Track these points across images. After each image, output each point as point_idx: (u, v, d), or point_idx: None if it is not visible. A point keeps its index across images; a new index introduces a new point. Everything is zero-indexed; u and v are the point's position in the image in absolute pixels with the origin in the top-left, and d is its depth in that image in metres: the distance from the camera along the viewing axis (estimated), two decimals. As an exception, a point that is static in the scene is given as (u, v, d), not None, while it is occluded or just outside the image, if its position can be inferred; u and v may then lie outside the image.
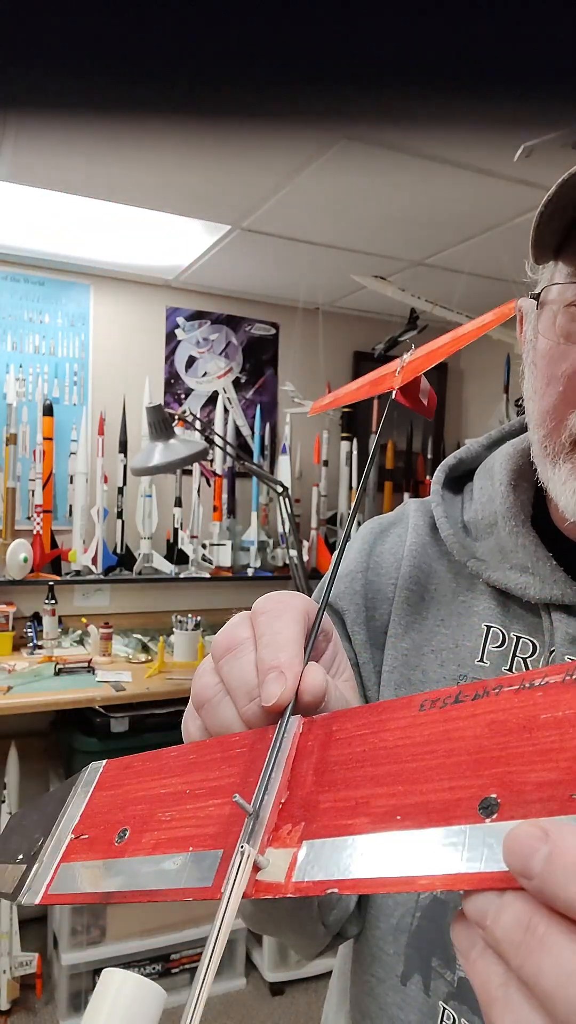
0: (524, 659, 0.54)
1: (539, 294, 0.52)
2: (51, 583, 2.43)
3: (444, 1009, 0.53)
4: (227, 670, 0.36)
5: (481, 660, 0.56)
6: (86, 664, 2.32)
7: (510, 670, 0.54)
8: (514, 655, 0.55)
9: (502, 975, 0.23)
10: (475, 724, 0.28)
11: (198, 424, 2.35)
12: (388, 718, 0.31)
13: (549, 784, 0.24)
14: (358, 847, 0.27)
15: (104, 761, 0.40)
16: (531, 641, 0.55)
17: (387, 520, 0.68)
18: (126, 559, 2.67)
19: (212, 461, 2.80)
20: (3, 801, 2.16)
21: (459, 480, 0.67)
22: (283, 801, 0.31)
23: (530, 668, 0.53)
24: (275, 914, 0.53)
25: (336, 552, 0.47)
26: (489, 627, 0.57)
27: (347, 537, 0.49)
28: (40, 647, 2.43)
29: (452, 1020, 0.52)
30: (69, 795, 0.40)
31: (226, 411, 2.89)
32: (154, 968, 2.18)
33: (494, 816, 0.25)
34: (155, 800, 0.34)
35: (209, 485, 2.82)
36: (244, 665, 0.36)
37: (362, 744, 0.31)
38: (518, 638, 0.55)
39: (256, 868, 0.28)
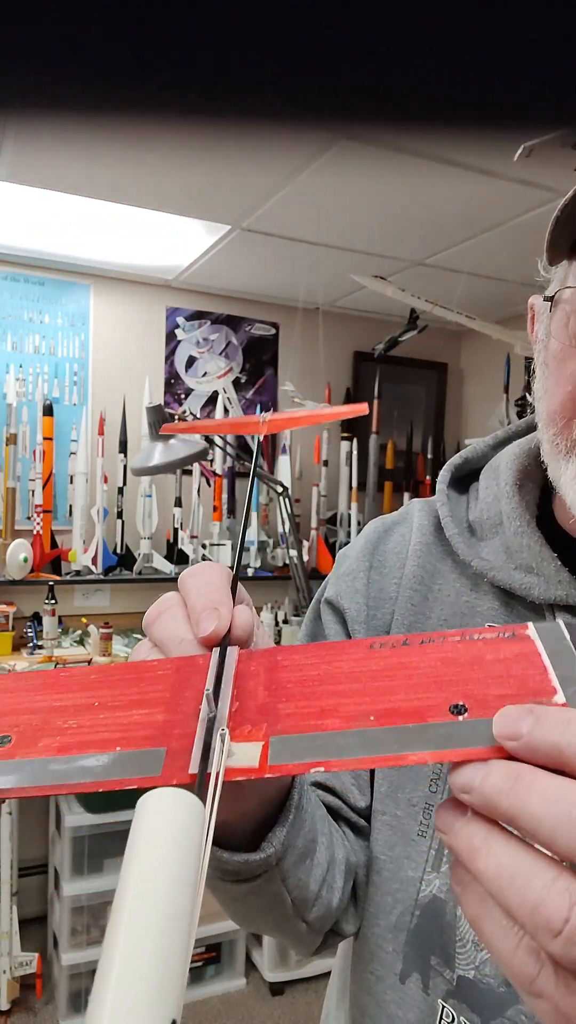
0: None
1: (553, 295, 0.53)
2: (51, 583, 2.43)
3: (443, 1007, 0.53)
4: (157, 630, 0.37)
5: None
6: (86, 664, 2.32)
7: None
8: None
9: (485, 829, 0.26)
10: (428, 659, 0.32)
11: (198, 424, 2.36)
12: (339, 652, 0.34)
13: (507, 696, 0.28)
14: (336, 738, 0.29)
15: None
16: None
17: (391, 520, 0.68)
18: (126, 559, 2.67)
19: (212, 461, 2.80)
20: (3, 801, 2.16)
21: (464, 480, 0.67)
22: (234, 710, 0.31)
23: None
24: (248, 911, 0.53)
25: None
26: (493, 628, 0.57)
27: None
28: (40, 647, 2.43)
29: (451, 1018, 0.52)
30: None
31: (226, 411, 2.89)
32: (154, 968, 2.18)
33: (465, 715, 0.28)
34: (47, 711, 0.33)
35: (209, 485, 2.82)
36: (175, 620, 0.37)
37: (315, 670, 0.33)
38: None
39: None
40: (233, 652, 0.35)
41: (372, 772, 0.60)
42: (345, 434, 3.06)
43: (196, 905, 0.22)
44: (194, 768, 0.28)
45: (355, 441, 3.03)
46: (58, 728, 0.31)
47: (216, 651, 0.35)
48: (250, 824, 0.45)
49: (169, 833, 0.23)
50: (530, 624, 0.33)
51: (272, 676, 0.33)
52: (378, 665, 0.32)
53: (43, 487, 2.53)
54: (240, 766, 0.28)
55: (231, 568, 0.41)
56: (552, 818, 0.24)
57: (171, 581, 2.66)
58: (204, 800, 0.25)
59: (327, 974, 0.90)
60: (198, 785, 0.26)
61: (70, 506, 2.64)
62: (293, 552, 2.61)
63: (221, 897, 0.52)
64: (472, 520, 0.62)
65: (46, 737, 0.31)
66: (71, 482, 2.63)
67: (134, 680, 0.34)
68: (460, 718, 0.28)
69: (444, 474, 0.65)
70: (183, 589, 0.39)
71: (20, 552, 2.44)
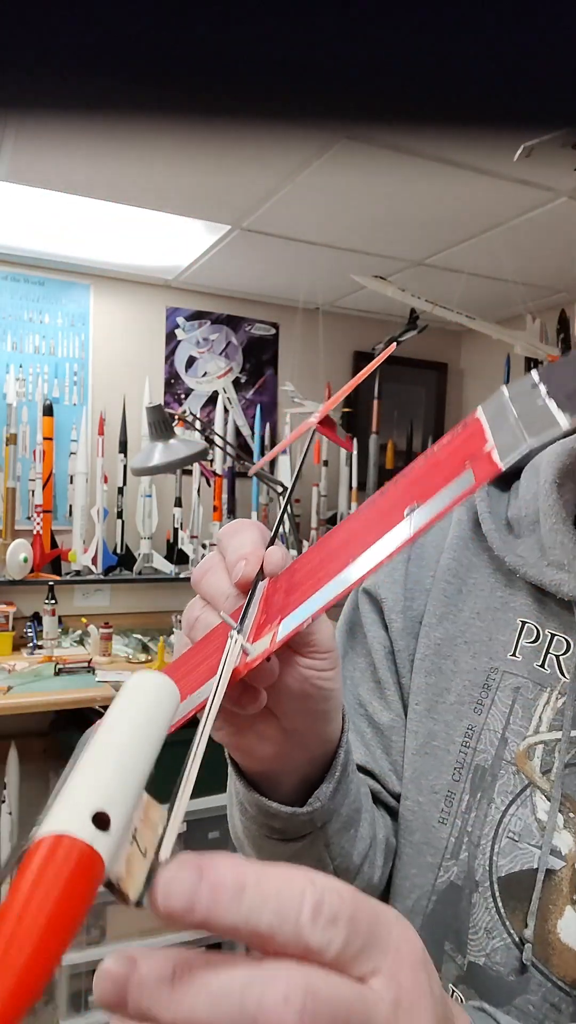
0: (557, 656, 0.55)
1: None
2: (51, 583, 2.43)
3: (453, 991, 0.53)
4: (204, 586, 0.41)
5: (514, 654, 0.57)
6: (86, 664, 2.32)
7: (542, 666, 0.55)
8: (547, 652, 0.56)
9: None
10: (401, 485, 0.36)
11: (198, 424, 2.36)
12: (336, 530, 0.39)
13: (451, 475, 0.30)
14: (324, 591, 0.33)
15: None
16: (565, 639, 0.55)
17: None
18: (126, 559, 2.66)
19: (212, 461, 2.80)
20: (3, 801, 2.16)
21: (507, 478, 0.67)
22: (260, 622, 0.36)
23: (563, 665, 0.55)
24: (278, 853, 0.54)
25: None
26: (524, 622, 0.57)
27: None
28: (40, 647, 2.43)
29: (460, 1003, 0.53)
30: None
31: (226, 411, 2.89)
32: (154, 968, 2.18)
33: (417, 509, 0.31)
34: (184, 670, 0.39)
35: (209, 485, 2.82)
36: (217, 575, 0.41)
37: (319, 550, 0.38)
38: (552, 635, 0.56)
39: (245, 654, 0.34)
40: (262, 584, 0.39)
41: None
42: (345, 434, 3.06)
43: (189, 776, 0.26)
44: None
45: (355, 441, 3.03)
46: (185, 683, 0.36)
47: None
48: (296, 779, 0.47)
49: (142, 696, 0.28)
50: (479, 408, 0.33)
51: (291, 578, 0.37)
52: (366, 517, 0.36)
53: (43, 487, 2.53)
54: (255, 655, 0.33)
55: (278, 518, 0.47)
56: (225, 1020, 0.22)
57: (171, 581, 2.66)
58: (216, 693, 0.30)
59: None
60: (215, 681, 0.31)
61: (70, 506, 2.64)
62: (293, 552, 2.60)
63: (265, 859, 0.53)
64: (511, 517, 0.63)
65: (185, 691, 0.36)
66: (71, 482, 2.63)
67: (188, 655, 0.40)
68: (414, 513, 0.30)
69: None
70: (220, 547, 0.43)
71: (20, 552, 2.44)
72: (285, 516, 0.53)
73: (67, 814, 0.21)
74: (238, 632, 0.35)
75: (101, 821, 0.21)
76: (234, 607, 0.39)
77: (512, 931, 0.51)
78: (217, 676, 0.31)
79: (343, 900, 0.25)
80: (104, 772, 0.24)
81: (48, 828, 0.21)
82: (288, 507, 0.55)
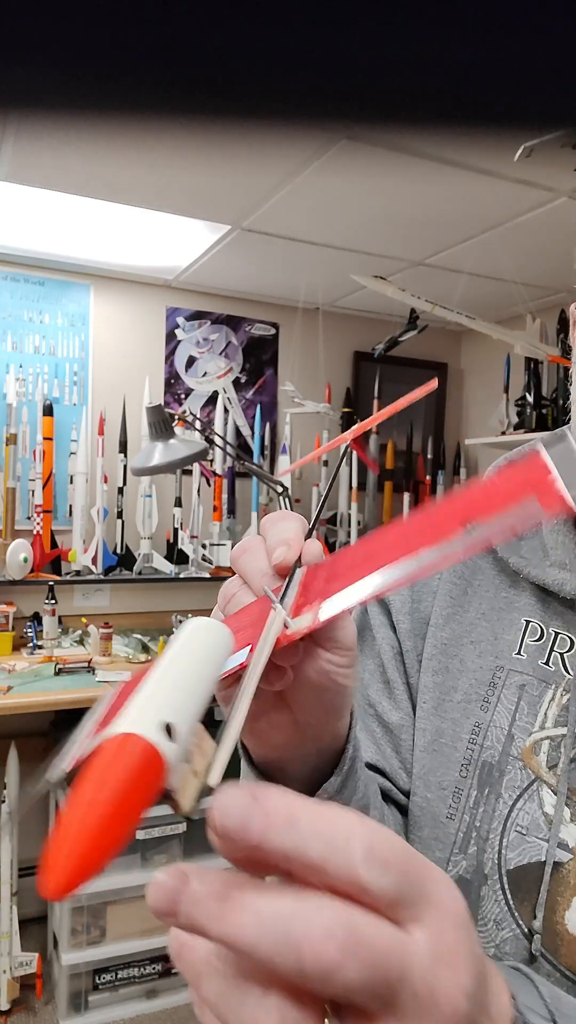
0: (561, 654, 0.56)
1: None
2: (51, 583, 2.43)
3: None
4: (242, 564, 0.42)
5: (519, 653, 0.58)
6: (86, 664, 2.32)
7: (547, 664, 0.57)
8: (551, 650, 0.57)
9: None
10: (458, 502, 0.36)
11: (198, 424, 2.36)
12: (381, 531, 0.39)
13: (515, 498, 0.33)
14: (370, 579, 0.34)
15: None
16: (569, 637, 0.56)
17: None
18: (126, 559, 2.66)
19: (212, 461, 2.80)
20: (3, 801, 2.16)
21: None
22: (299, 603, 0.37)
23: (567, 663, 0.56)
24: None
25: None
26: (529, 622, 0.59)
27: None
28: (40, 647, 2.43)
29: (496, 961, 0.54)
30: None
31: (226, 411, 2.89)
32: (154, 968, 2.18)
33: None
34: (244, 627, 0.39)
35: (209, 485, 2.82)
36: (256, 556, 0.42)
37: (367, 546, 0.39)
38: (556, 633, 0.57)
39: (285, 627, 0.35)
40: (300, 570, 0.40)
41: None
42: (345, 434, 3.05)
43: (246, 692, 0.29)
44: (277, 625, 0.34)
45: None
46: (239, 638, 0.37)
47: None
48: (305, 771, 0.48)
49: (203, 634, 0.31)
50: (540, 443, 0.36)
51: (332, 568, 0.39)
52: (418, 524, 0.37)
53: (43, 487, 2.53)
54: (295, 630, 0.34)
55: (314, 517, 0.48)
56: (269, 943, 0.23)
57: (171, 581, 2.66)
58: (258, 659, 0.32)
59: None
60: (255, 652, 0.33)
61: (70, 506, 2.64)
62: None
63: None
64: None
65: (241, 643, 0.37)
66: (71, 482, 2.63)
67: (249, 611, 0.41)
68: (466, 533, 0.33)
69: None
70: (263, 531, 0.44)
71: (20, 552, 2.44)
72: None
73: (139, 717, 0.24)
74: (279, 603, 0.36)
75: (168, 730, 0.24)
76: (270, 587, 0.40)
77: (521, 922, 0.52)
78: (264, 635, 0.33)
79: (395, 847, 0.26)
80: (172, 690, 0.27)
81: (119, 728, 0.23)
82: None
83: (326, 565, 0.40)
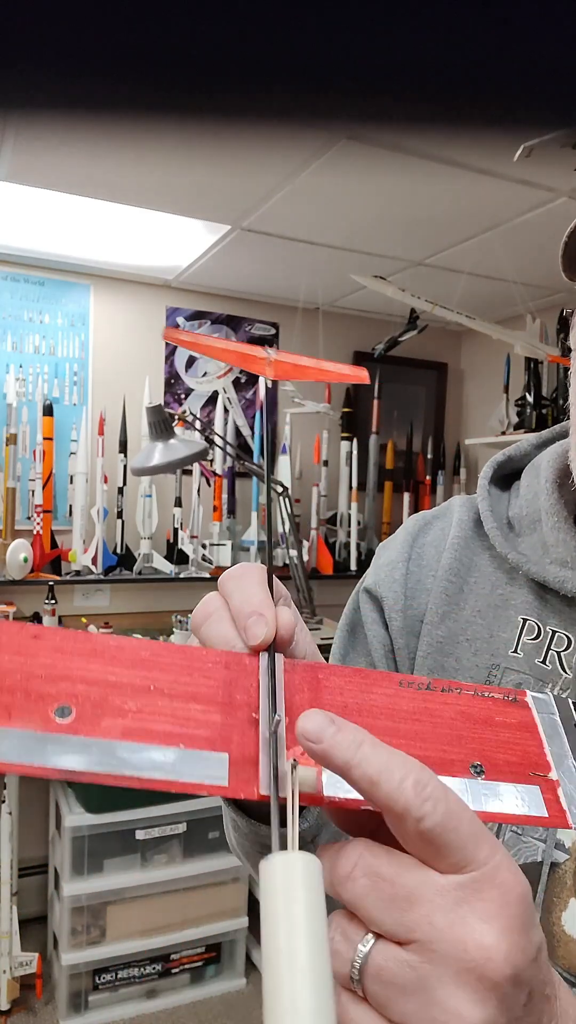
0: (558, 652, 0.56)
1: (574, 310, 0.54)
2: (51, 583, 2.43)
3: None
4: (206, 633, 0.39)
5: (515, 651, 0.57)
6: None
7: (543, 662, 0.56)
8: (548, 648, 0.56)
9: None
10: (449, 710, 0.37)
11: (198, 424, 2.36)
12: (372, 683, 0.37)
13: (515, 763, 0.36)
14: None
15: None
16: (566, 635, 0.56)
17: (431, 514, 0.69)
18: (126, 559, 2.67)
19: (212, 461, 2.80)
20: (3, 801, 2.16)
21: (508, 478, 0.68)
22: (286, 725, 0.34)
23: (564, 662, 0.55)
24: None
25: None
26: (525, 620, 0.58)
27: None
28: (40, 647, 2.42)
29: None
30: None
31: (226, 411, 2.89)
32: (154, 968, 2.18)
33: (483, 776, 0.35)
34: (104, 685, 0.33)
35: (209, 485, 2.82)
36: (222, 624, 0.39)
37: (353, 697, 0.37)
38: (553, 632, 0.56)
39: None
40: (280, 661, 0.36)
41: None
42: (345, 434, 3.06)
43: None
44: (265, 789, 0.31)
45: (355, 441, 3.03)
46: (118, 708, 0.32)
47: (263, 656, 0.36)
48: None
49: (307, 898, 0.26)
50: (527, 692, 0.39)
51: (315, 696, 0.36)
52: (407, 706, 0.37)
53: (43, 487, 2.53)
54: (304, 791, 0.32)
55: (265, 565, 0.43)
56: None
57: (171, 581, 2.66)
58: (283, 820, 0.29)
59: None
60: (272, 806, 0.30)
61: (70, 506, 2.64)
62: (293, 552, 2.61)
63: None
64: (512, 516, 0.64)
65: (107, 716, 0.31)
66: (71, 482, 2.63)
67: (186, 668, 0.35)
68: (479, 778, 0.35)
69: (486, 471, 0.67)
70: (224, 591, 0.40)
71: (20, 552, 2.44)
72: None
73: None
74: (275, 723, 0.33)
75: None
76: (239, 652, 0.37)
77: None
78: (290, 820, 0.30)
79: (445, 794, 0.30)
80: (315, 994, 0.24)
81: None
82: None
83: (307, 676, 0.37)
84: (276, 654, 0.36)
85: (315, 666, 0.38)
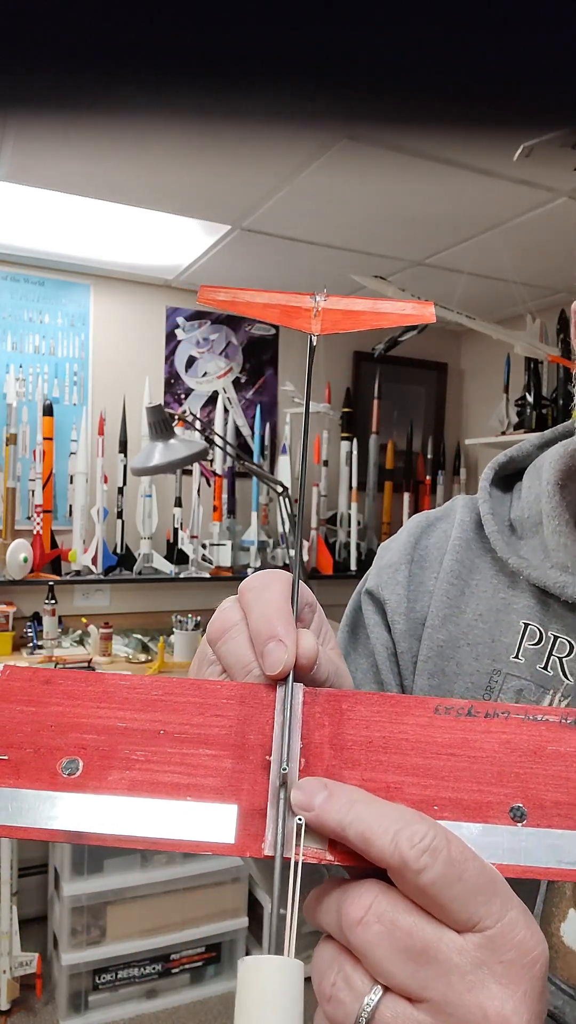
0: (560, 658, 0.55)
1: None
2: (51, 583, 2.43)
3: None
4: (223, 651, 0.37)
5: (516, 656, 0.56)
6: (86, 664, 2.32)
7: (545, 668, 0.55)
8: (550, 654, 0.55)
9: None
10: (491, 740, 0.32)
11: (198, 424, 2.36)
12: (404, 711, 0.33)
13: (564, 804, 0.31)
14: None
15: None
16: (568, 641, 0.55)
17: (434, 515, 0.68)
18: (126, 559, 2.66)
19: (212, 461, 2.80)
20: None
21: (510, 479, 0.67)
22: (303, 767, 0.32)
23: (566, 668, 0.54)
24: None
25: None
26: (527, 624, 0.57)
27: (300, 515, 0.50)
28: (40, 647, 2.43)
29: None
30: None
31: (226, 411, 2.89)
32: (154, 968, 2.18)
33: (524, 822, 0.30)
34: (113, 732, 0.32)
35: (209, 485, 2.82)
36: (239, 644, 0.36)
37: (380, 730, 0.33)
38: (555, 637, 0.55)
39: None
40: (299, 694, 0.34)
41: None
42: (345, 434, 3.05)
43: None
44: (269, 849, 0.30)
45: (355, 441, 3.03)
46: (126, 759, 0.32)
47: (280, 689, 0.34)
48: None
49: (280, 1006, 0.26)
50: None
51: (337, 731, 0.33)
52: (443, 738, 0.33)
53: (43, 487, 2.53)
54: (311, 847, 0.30)
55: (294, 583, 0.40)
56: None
57: (171, 581, 2.66)
58: (285, 882, 0.29)
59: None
60: (276, 869, 0.29)
61: (70, 506, 2.64)
62: (293, 552, 2.60)
63: (267, 878, 0.53)
64: (514, 518, 0.63)
65: (115, 769, 0.31)
66: (71, 482, 2.63)
67: (199, 707, 0.33)
68: (519, 825, 0.30)
69: (487, 472, 0.66)
70: (244, 603, 0.38)
71: (20, 552, 2.44)
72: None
73: None
74: (283, 778, 0.31)
75: None
76: (253, 680, 0.35)
77: None
78: (290, 878, 0.29)
79: (447, 844, 0.28)
80: None
81: None
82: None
83: (329, 708, 0.34)
84: (295, 684, 0.34)
85: (339, 695, 0.34)
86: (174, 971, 2.21)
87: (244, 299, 0.47)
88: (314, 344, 0.43)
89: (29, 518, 2.56)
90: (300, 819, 0.30)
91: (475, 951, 0.28)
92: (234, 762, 0.32)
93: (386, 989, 0.28)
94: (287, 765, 0.31)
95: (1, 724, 0.32)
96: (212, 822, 0.30)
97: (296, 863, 0.29)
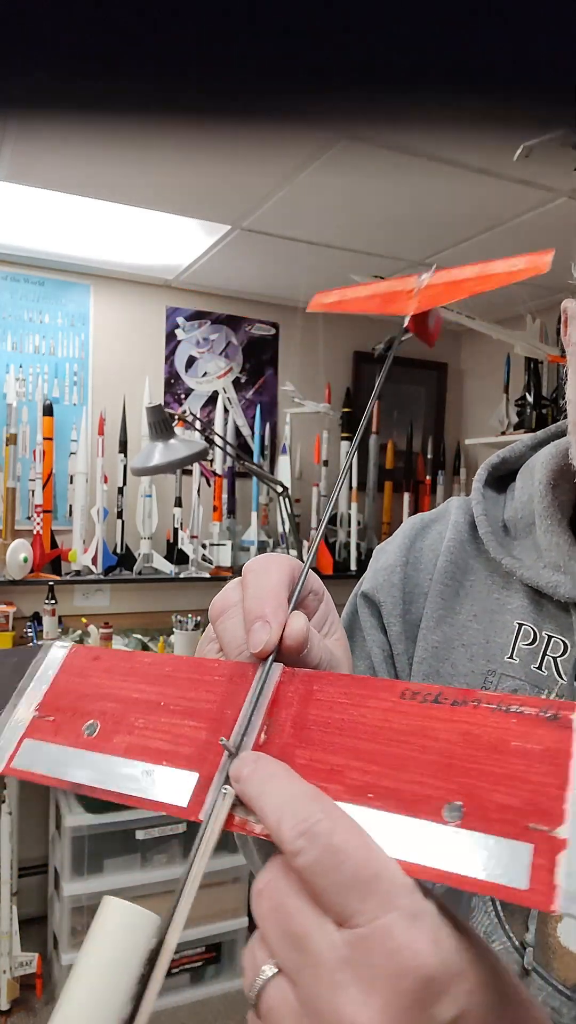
0: (554, 658, 0.55)
1: None
2: (51, 583, 2.43)
3: None
4: (220, 630, 0.39)
5: (511, 657, 0.56)
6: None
7: (539, 668, 0.55)
8: (544, 653, 0.55)
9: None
10: (450, 729, 0.30)
11: (198, 424, 2.36)
12: (369, 695, 0.33)
13: (511, 809, 0.26)
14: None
15: (69, 644, 0.41)
16: (562, 640, 0.55)
17: (429, 516, 0.69)
18: (126, 559, 2.66)
19: (212, 461, 2.80)
20: (3, 801, 2.16)
21: (503, 480, 0.67)
22: (261, 743, 0.33)
23: (560, 667, 0.54)
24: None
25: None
26: (521, 625, 0.57)
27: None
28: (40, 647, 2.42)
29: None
30: (29, 669, 0.41)
31: (226, 411, 2.89)
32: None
33: (458, 823, 0.27)
34: (127, 702, 0.37)
35: (209, 485, 2.82)
36: (235, 624, 0.38)
37: (342, 712, 0.33)
38: (549, 637, 0.55)
39: (233, 805, 0.32)
40: (276, 672, 0.35)
41: None
42: (345, 434, 3.05)
43: (147, 1000, 0.28)
44: (203, 815, 0.31)
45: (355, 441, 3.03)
46: (130, 725, 0.36)
47: (260, 668, 0.35)
48: None
49: (114, 944, 0.29)
50: None
51: (303, 710, 0.33)
52: (400, 724, 0.31)
53: (43, 487, 2.53)
54: (243, 817, 0.31)
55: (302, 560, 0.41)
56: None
57: (171, 581, 2.66)
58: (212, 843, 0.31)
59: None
60: (199, 833, 0.31)
61: (70, 506, 2.64)
62: (293, 552, 2.60)
63: (263, 857, 0.54)
64: (507, 519, 0.63)
65: (120, 733, 0.36)
66: (71, 482, 2.63)
67: (194, 682, 0.36)
68: (450, 825, 0.27)
69: (481, 473, 0.66)
70: (243, 585, 0.39)
71: (20, 552, 2.44)
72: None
73: None
74: (232, 757, 0.32)
75: None
76: (245, 659, 0.36)
77: (512, 935, 0.51)
78: (205, 839, 0.31)
79: (331, 831, 0.27)
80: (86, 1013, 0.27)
81: None
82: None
83: (301, 688, 0.34)
84: (274, 664, 0.35)
85: (315, 676, 0.35)
86: (174, 971, 2.21)
87: (350, 296, 0.49)
88: (405, 326, 0.44)
89: (29, 518, 2.56)
90: (226, 789, 0.31)
91: (344, 948, 0.26)
92: (208, 734, 0.34)
93: (280, 969, 0.28)
94: (239, 739, 0.33)
95: (57, 691, 0.39)
96: (176, 786, 0.33)
97: (206, 827, 0.31)
